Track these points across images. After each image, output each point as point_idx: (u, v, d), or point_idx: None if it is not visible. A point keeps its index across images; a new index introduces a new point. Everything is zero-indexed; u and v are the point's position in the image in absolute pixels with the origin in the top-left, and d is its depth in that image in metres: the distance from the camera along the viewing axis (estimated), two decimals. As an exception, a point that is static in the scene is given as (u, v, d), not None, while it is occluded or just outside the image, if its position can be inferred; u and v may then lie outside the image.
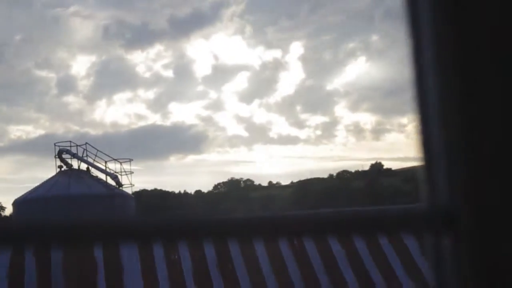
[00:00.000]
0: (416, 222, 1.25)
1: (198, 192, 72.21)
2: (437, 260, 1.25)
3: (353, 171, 75.74)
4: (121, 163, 26.38)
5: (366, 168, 76.84)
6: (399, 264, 13.75)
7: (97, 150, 26.41)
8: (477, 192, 1.19)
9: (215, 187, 76.13)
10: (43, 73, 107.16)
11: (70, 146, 26.81)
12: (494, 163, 1.19)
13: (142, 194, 48.71)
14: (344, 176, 70.94)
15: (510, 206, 1.18)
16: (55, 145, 26.91)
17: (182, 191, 71.58)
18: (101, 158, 26.22)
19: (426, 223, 1.25)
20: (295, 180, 77.54)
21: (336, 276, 13.46)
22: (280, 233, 1.29)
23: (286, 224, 1.21)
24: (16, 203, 24.90)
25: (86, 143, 26.72)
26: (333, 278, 13.41)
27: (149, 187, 69.40)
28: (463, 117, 1.19)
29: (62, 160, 26.19)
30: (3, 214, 67.16)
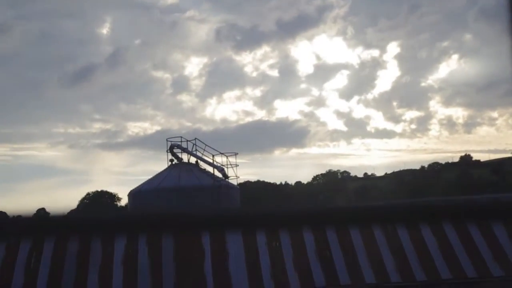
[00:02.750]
0: (508, 211, 1.18)
1: (298, 183, 72.19)
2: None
3: (443, 162, 74.46)
4: (227, 156, 26.61)
5: (456, 159, 75.40)
6: (489, 252, 13.44)
7: (205, 145, 26.71)
8: None
9: (314, 178, 75.99)
10: (159, 74, 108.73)
11: (181, 141, 27.17)
12: None
13: (246, 185, 49.02)
14: (435, 168, 69.87)
15: None
16: (167, 140, 27.32)
17: (283, 182, 71.66)
18: (209, 152, 26.52)
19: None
20: (389, 172, 76.69)
21: (427, 263, 13.25)
22: (375, 220, 1.22)
23: (379, 213, 1.15)
24: (131, 194, 25.38)
25: (196, 138, 27.06)
26: (424, 264, 13.20)
27: (253, 178, 69.77)
28: None
29: (174, 154, 26.56)
30: (119, 204, 68.46)
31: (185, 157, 26.92)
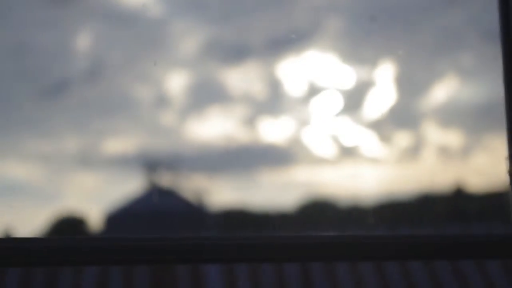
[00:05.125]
0: (505, 247, 1.16)
1: (282, 213, 72.19)
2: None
3: (436, 192, 74.58)
4: (208, 180, 26.48)
5: (450, 189, 75.64)
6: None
7: (186, 167, 26.57)
8: None
9: (299, 207, 75.88)
10: (140, 89, 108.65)
11: (160, 163, 27.02)
12: None
13: (228, 212, 48.77)
14: (427, 198, 69.80)
15: None
16: (145, 161, 27.16)
17: (266, 211, 71.61)
18: (189, 175, 26.34)
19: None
20: (379, 201, 77.02)
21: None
22: (362, 255, 1.19)
23: (367, 245, 1.12)
24: (106, 218, 25.09)
25: (176, 158, 26.91)
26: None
27: (235, 205, 69.58)
28: None
29: (152, 175, 26.37)
30: (91, 228, 67.99)
31: (163, 179, 26.74)
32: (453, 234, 1.60)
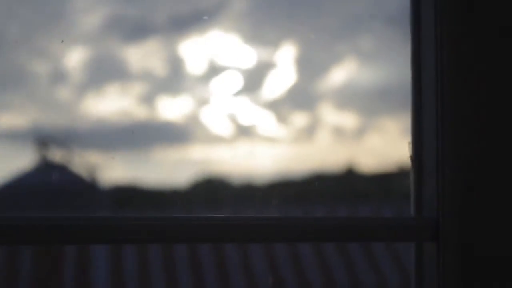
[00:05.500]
0: (401, 231, 1.19)
1: (175, 190, 72.21)
2: (420, 273, 1.19)
3: (329, 172, 75.91)
4: (102, 156, 26.30)
5: (343, 170, 77.08)
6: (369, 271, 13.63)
7: (81, 143, 26.30)
8: (466, 205, 1.12)
9: (192, 185, 76.00)
10: (35, 65, 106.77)
11: (53, 138, 26.69)
12: (486, 175, 1.12)
13: (119, 189, 48.53)
14: (320, 178, 70.98)
15: (500, 220, 1.12)
16: (37, 136, 26.78)
17: (160, 189, 71.54)
18: (83, 151, 26.11)
19: (412, 234, 1.18)
20: (272, 181, 77.82)
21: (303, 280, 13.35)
22: (274, 236, 1.20)
23: (280, 227, 1.13)
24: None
25: (70, 135, 26.62)
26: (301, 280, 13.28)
27: (129, 182, 69.29)
28: (461, 127, 1.12)
29: (45, 151, 26.04)
30: None
31: (57, 155, 26.44)
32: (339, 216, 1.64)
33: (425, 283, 1.18)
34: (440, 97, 1.14)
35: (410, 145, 1.22)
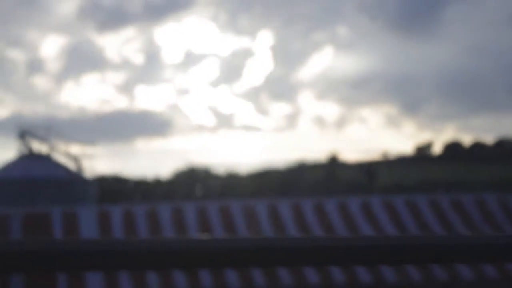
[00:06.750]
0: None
1: (157, 180, 71.99)
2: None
3: (311, 161, 75.95)
4: (83, 146, 26.25)
5: (324, 159, 77.10)
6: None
7: (60, 133, 26.26)
8: None
9: (174, 174, 75.89)
10: (11, 53, 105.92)
11: (34, 128, 26.64)
12: None
13: (103, 180, 48.48)
14: (301, 167, 71.00)
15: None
16: (17, 126, 26.72)
17: (142, 178, 71.29)
18: (64, 141, 26.06)
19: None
20: (253, 170, 77.75)
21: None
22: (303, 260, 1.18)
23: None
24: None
25: (50, 125, 26.59)
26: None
27: (112, 171, 69.04)
28: None
29: (25, 142, 25.99)
30: None
31: (37, 145, 26.38)
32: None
33: None
34: None
35: None
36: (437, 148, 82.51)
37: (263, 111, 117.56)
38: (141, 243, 1.01)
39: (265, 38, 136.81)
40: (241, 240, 1.05)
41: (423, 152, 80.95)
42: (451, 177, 58.33)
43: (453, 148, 77.72)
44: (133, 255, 0.95)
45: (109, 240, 0.98)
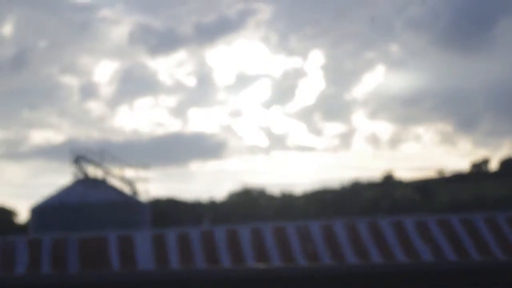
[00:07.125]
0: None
1: (212, 202, 72.26)
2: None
3: (365, 181, 75.57)
4: (138, 170, 26.43)
5: (379, 178, 76.67)
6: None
7: (115, 157, 26.49)
8: None
9: (229, 196, 76.07)
10: (66, 79, 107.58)
11: (88, 153, 26.92)
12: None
13: (157, 203, 48.82)
14: (356, 187, 70.64)
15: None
16: (73, 151, 27.02)
17: (197, 199, 71.66)
18: (118, 165, 26.28)
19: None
20: (308, 190, 77.58)
21: None
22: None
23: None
24: (34, 211, 24.83)
25: (104, 149, 26.85)
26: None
27: (166, 194, 69.48)
28: None
29: (79, 166, 26.26)
30: (18, 221, 63.36)
31: (92, 170, 26.62)
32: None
33: None
34: None
35: None
36: (493, 165, 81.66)
37: (316, 131, 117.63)
38: (198, 273, 1.01)
39: (316, 58, 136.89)
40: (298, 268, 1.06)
41: (479, 168, 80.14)
42: (508, 193, 57.57)
43: (509, 164, 76.77)
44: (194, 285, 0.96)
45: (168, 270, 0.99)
